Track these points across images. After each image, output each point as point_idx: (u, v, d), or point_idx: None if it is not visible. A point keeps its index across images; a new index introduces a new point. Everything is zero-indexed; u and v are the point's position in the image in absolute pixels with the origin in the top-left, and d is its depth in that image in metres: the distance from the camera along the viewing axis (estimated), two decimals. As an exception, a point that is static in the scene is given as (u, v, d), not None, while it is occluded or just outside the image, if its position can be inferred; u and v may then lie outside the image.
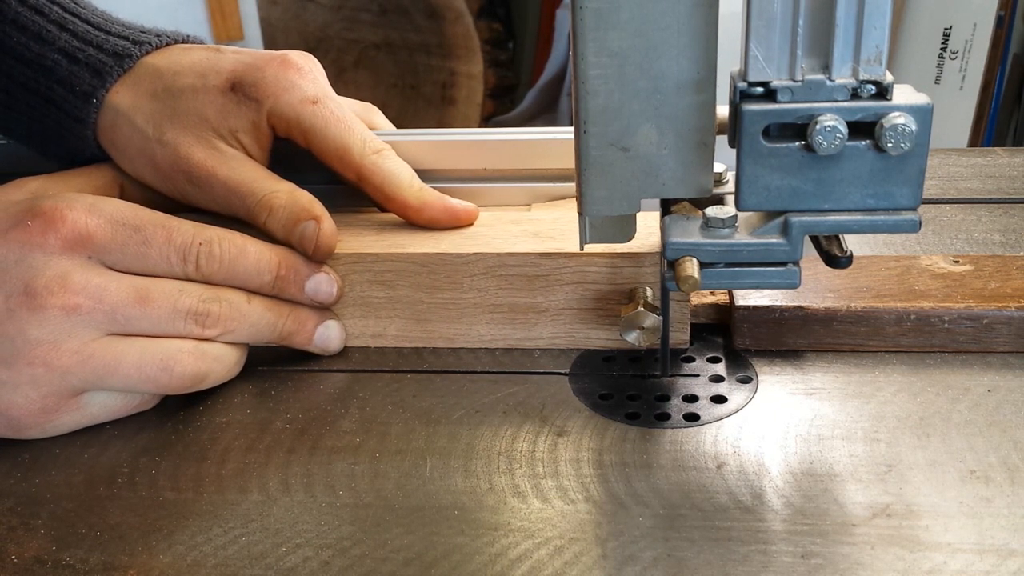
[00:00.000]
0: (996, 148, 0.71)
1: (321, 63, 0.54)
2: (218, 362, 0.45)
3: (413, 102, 2.18)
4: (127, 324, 0.43)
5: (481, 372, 0.47)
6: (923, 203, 0.41)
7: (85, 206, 0.43)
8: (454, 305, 0.49)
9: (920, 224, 0.38)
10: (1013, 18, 1.73)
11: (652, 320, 0.44)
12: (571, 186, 0.54)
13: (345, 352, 0.50)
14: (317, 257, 0.48)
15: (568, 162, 0.53)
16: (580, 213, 0.42)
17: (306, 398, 0.46)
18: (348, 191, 0.53)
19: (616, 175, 0.40)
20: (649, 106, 0.38)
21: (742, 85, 0.36)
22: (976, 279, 0.47)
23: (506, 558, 0.35)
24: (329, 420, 0.44)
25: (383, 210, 0.52)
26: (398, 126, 0.58)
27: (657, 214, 0.45)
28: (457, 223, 0.51)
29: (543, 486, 0.39)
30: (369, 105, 0.57)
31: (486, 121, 2.11)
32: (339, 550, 0.36)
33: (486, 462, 0.41)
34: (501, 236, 0.49)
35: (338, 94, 0.53)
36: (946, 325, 0.45)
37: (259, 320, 0.46)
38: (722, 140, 0.40)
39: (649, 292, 0.46)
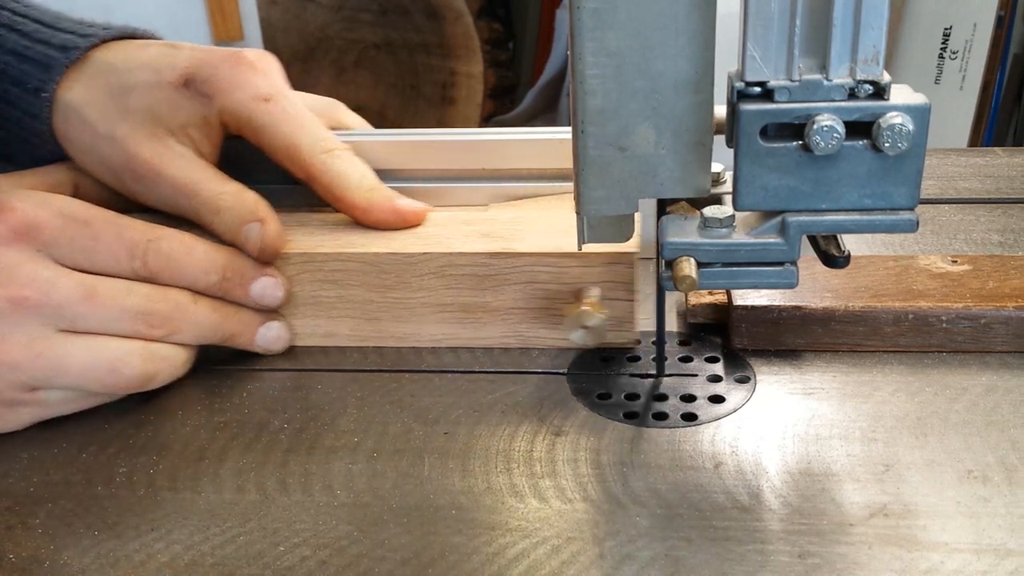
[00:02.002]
0: (995, 148, 0.71)
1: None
2: (166, 362, 0.45)
3: (413, 102, 2.18)
4: (75, 321, 0.43)
5: (479, 372, 0.47)
6: (921, 203, 0.41)
7: (35, 199, 0.43)
8: (404, 304, 0.49)
9: (918, 224, 0.38)
10: (1013, 18, 1.74)
11: (596, 319, 0.44)
12: (561, 185, 0.54)
13: (344, 352, 0.50)
14: (263, 259, 0.48)
15: (568, 162, 0.53)
16: (578, 213, 0.42)
17: (304, 398, 0.46)
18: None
19: (614, 175, 0.40)
20: (647, 106, 0.38)
21: (739, 85, 0.36)
22: (974, 279, 0.47)
23: (503, 557, 0.35)
24: (327, 420, 0.44)
25: (338, 210, 0.52)
26: (398, 126, 0.58)
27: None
28: (405, 224, 0.50)
29: (541, 486, 0.39)
30: (333, 101, 0.56)
31: (486, 121, 2.11)
32: (336, 549, 0.36)
33: (484, 462, 0.41)
34: (452, 236, 0.49)
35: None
36: (944, 325, 0.45)
37: (204, 320, 0.46)
38: (720, 140, 0.40)
39: (595, 292, 0.46)
